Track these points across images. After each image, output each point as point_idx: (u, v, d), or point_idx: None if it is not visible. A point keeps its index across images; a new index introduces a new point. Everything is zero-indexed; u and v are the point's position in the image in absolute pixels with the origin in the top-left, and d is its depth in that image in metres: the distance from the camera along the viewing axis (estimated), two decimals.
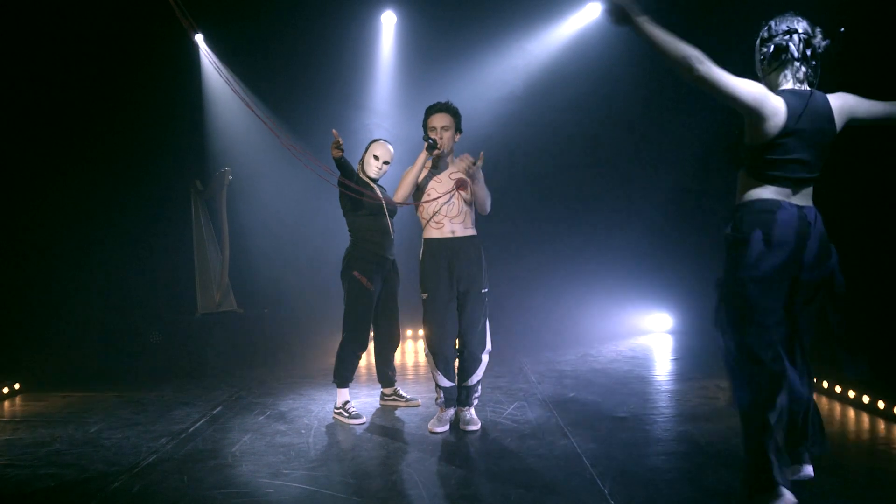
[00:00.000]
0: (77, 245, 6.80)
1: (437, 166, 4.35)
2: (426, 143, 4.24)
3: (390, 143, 4.87)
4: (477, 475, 3.53)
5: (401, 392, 5.02)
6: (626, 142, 8.00)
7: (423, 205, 4.30)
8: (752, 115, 2.72)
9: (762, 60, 2.93)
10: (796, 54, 2.83)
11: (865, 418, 4.40)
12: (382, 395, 5.03)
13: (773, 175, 2.77)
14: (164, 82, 7.18)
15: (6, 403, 5.31)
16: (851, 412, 4.54)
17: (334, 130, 4.33)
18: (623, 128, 7.92)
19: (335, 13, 7.60)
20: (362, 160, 4.82)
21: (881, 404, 4.37)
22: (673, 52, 2.68)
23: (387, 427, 4.47)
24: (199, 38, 7.60)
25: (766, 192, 2.79)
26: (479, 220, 4.44)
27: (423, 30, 7.76)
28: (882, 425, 4.24)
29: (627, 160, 8.03)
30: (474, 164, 4.15)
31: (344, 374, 4.64)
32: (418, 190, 4.35)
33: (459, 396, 4.35)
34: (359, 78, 7.93)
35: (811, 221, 2.78)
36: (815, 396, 3.13)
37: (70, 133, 6.73)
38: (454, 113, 4.33)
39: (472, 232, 4.32)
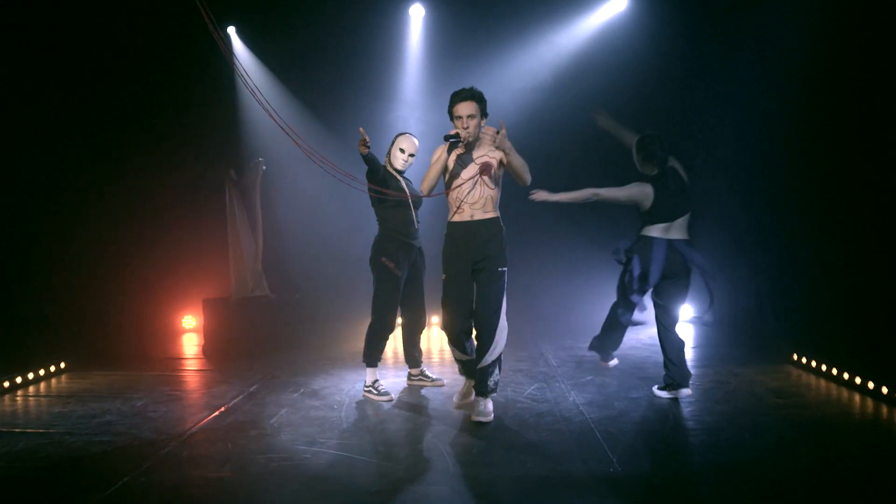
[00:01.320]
0: (116, 233, 7.29)
1: (464, 154, 4.49)
2: (448, 141, 4.40)
3: (415, 136, 5.24)
4: (496, 445, 3.93)
5: (427, 373, 5.43)
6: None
7: (450, 192, 4.51)
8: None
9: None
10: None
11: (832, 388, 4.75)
12: (409, 376, 5.44)
13: None
14: (200, 75, 7.60)
15: (53, 381, 5.79)
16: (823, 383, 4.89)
17: (361, 129, 4.70)
18: (648, 120, 8.13)
19: (364, 6, 7.96)
20: (389, 153, 5.21)
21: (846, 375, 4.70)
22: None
23: (413, 404, 4.89)
24: (231, 30, 8.05)
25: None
26: (509, 206, 4.69)
27: (451, 22, 8.08)
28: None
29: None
30: (498, 133, 4.23)
31: (373, 355, 5.06)
32: (447, 175, 4.54)
33: (477, 378, 4.49)
34: (388, 70, 8.29)
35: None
36: None
37: (108, 125, 7.21)
38: (479, 99, 4.43)
39: (492, 215, 4.48)
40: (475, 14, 7.99)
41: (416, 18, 8.21)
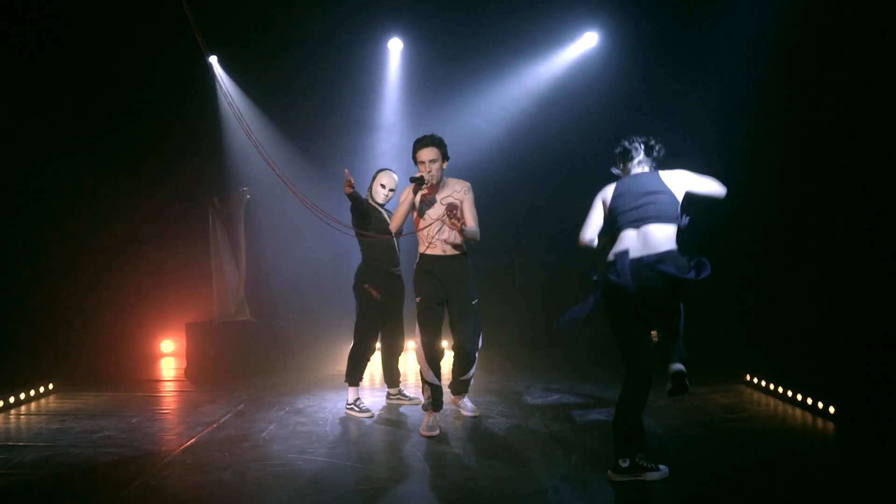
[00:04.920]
0: (101, 259, 7.95)
1: (431, 195, 5.21)
2: (413, 183, 5.06)
3: (395, 172, 6.01)
4: (468, 452, 4.69)
5: (405, 392, 6.18)
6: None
7: (420, 231, 5.24)
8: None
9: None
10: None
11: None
12: (388, 395, 6.18)
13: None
14: (185, 104, 8.33)
15: (42, 401, 6.40)
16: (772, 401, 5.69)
17: (346, 171, 5.44)
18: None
19: (344, 40, 8.73)
20: (370, 188, 5.97)
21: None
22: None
23: (392, 419, 5.63)
24: (213, 59, 8.77)
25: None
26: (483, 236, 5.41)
27: (427, 55, 8.87)
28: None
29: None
30: (454, 211, 5.01)
31: (355, 375, 5.79)
32: (416, 213, 5.27)
33: (457, 387, 5.49)
34: (370, 101, 9.07)
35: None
36: None
37: (93, 151, 7.90)
38: (439, 144, 5.14)
39: (461, 251, 5.25)
40: (450, 47, 8.74)
41: (395, 52, 9.00)
